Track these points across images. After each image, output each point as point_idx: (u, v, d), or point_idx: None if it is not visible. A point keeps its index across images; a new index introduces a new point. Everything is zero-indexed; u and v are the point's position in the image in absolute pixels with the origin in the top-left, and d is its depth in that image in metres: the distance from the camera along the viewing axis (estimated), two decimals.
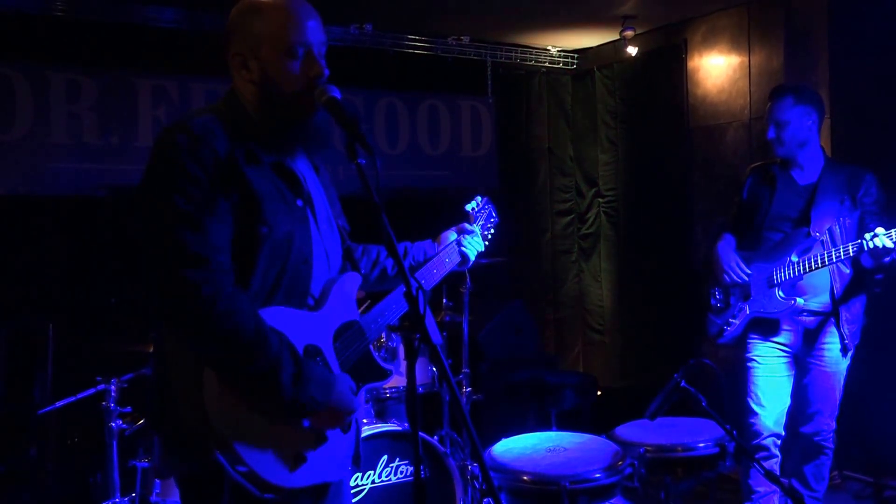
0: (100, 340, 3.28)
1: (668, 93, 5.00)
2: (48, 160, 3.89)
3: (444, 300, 3.76)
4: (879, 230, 2.82)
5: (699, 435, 2.90)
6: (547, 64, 5.52)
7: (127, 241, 3.95)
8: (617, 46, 5.13)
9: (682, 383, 2.56)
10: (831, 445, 3.26)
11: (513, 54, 5.32)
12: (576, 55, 5.58)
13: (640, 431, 2.96)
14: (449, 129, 5.15)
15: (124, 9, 4.02)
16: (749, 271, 3.22)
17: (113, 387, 3.05)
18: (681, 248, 4.95)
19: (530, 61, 5.43)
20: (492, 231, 2.31)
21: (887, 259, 2.88)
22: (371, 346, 1.88)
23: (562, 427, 4.03)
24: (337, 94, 1.74)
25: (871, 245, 2.82)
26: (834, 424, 3.26)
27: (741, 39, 4.58)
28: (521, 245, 5.48)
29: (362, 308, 1.92)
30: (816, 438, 3.24)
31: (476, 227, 2.23)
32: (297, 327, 1.70)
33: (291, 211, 1.73)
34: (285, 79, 1.72)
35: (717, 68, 4.73)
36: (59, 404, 3.03)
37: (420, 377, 3.51)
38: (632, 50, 4.93)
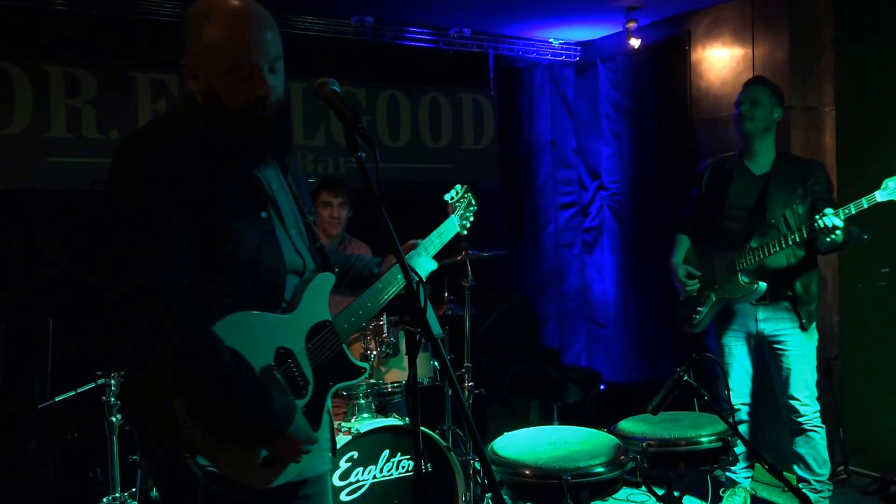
0: (99, 335, 3.26)
1: (671, 85, 4.97)
2: (47, 154, 3.87)
3: (446, 294, 3.74)
4: (828, 210, 3.06)
5: (702, 429, 2.88)
6: (549, 56, 5.48)
7: None
8: (620, 38, 5.09)
9: (685, 377, 2.54)
10: (819, 425, 3.41)
11: (514, 47, 5.29)
12: (578, 47, 5.54)
13: (642, 425, 2.94)
14: (450, 122, 5.12)
15: (123, 2, 3.99)
16: (699, 275, 3.50)
17: (112, 381, 3.04)
18: None
19: (532, 54, 5.40)
20: (470, 219, 2.37)
21: (839, 237, 3.07)
22: (344, 345, 1.89)
23: (564, 421, 4.01)
24: (336, 87, 1.74)
25: (821, 224, 3.04)
26: (816, 405, 3.41)
27: (745, 31, 4.54)
28: (524, 238, 5.46)
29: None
30: (801, 419, 3.38)
31: (455, 218, 2.32)
32: (266, 332, 1.70)
33: (256, 224, 1.70)
34: (230, 96, 1.65)
35: (720, 60, 4.69)
36: (58, 399, 3.02)
37: (422, 371, 3.49)
38: (635, 42, 4.89)
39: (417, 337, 1.74)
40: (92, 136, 3.98)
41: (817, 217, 3.07)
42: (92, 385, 3.06)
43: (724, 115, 4.67)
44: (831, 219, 3.03)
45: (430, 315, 2.22)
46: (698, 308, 3.50)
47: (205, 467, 1.59)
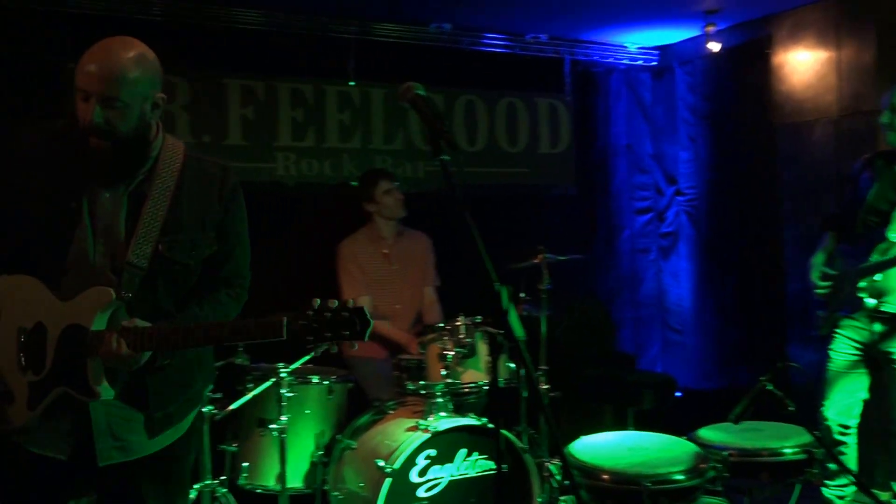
0: None
1: (751, 89, 4.89)
2: None
3: (522, 295, 3.77)
4: None
5: (786, 440, 2.83)
6: (626, 61, 5.46)
7: None
8: (698, 42, 5.04)
9: (769, 386, 2.51)
10: None
11: (591, 52, 5.30)
12: (656, 51, 5.50)
13: (724, 434, 2.91)
14: (527, 127, 5.15)
15: (214, 12, 4.18)
16: (835, 274, 3.22)
17: None
18: (766, 249, 4.83)
19: (608, 59, 5.40)
20: (329, 345, 1.82)
21: None
22: (95, 362, 1.84)
23: (639, 427, 3.98)
24: (421, 91, 1.81)
25: None
26: None
27: (829, 33, 4.43)
28: (599, 243, 5.46)
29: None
30: None
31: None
32: (38, 302, 1.89)
33: (55, 220, 1.89)
34: (78, 111, 1.88)
35: (803, 63, 4.59)
36: None
37: (500, 372, 3.52)
38: (714, 46, 4.83)
39: (499, 338, 1.79)
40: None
41: None
42: None
43: (808, 119, 4.57)
44: None
45: (513, 317, 2.25)
46: (820, 313, 3.29)
47: None
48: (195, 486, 3.17)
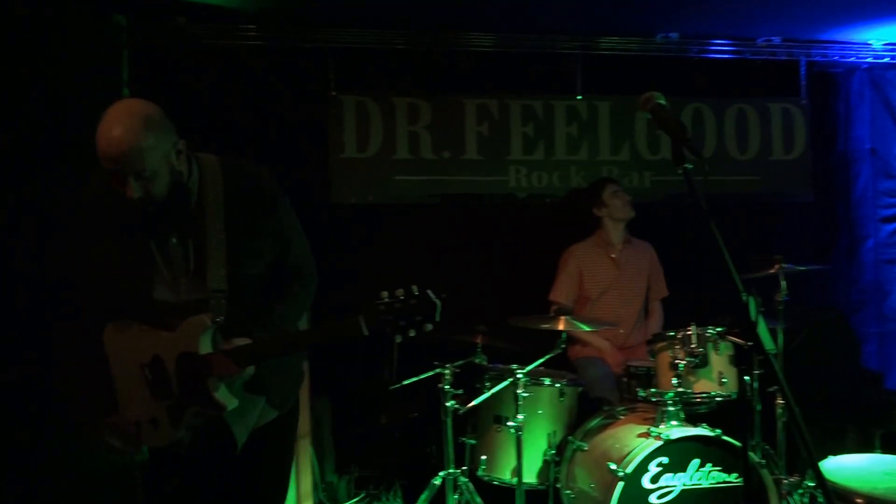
0: (435, 330, 3.72)
1: None
2: (394, 173, 4.54)
3: (759, 308, 3.68)
4: None
5: None
6: (870, 59, 5.08)
7: (453, 241, 4.47)
8: None
9: None
10: None
11: (829, 52, 4.99)
12: None
13: None
14: (758, 134, 4.98)
15: (450, 38, 4.51)
16: None
17: (447, 370, 3.46)
18: None
19: (850, 58, 5.05)
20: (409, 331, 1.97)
21: None
22: (212, 380, 2.06)
23: (888, 451, 3.71)
24: (662, 101, 1.91)
25: None
26: None
27: None
28: (839, 253, 5.12)
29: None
30: None
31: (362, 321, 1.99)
32: (147, 339, 2.14)
33: (136, 265, 2.12)
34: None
35: None
36: (405, 382, 3.53)
37: (734, 385, 3.45)
38: None
39: (745, 349, 1.82)
40: (428, 156, 4.58)
41: None
42: (431, 373, 3.50)
43: None
44: None
45: (762, 328, 2.26)
46: None
47: None
48: (439, 474, 3.47)
